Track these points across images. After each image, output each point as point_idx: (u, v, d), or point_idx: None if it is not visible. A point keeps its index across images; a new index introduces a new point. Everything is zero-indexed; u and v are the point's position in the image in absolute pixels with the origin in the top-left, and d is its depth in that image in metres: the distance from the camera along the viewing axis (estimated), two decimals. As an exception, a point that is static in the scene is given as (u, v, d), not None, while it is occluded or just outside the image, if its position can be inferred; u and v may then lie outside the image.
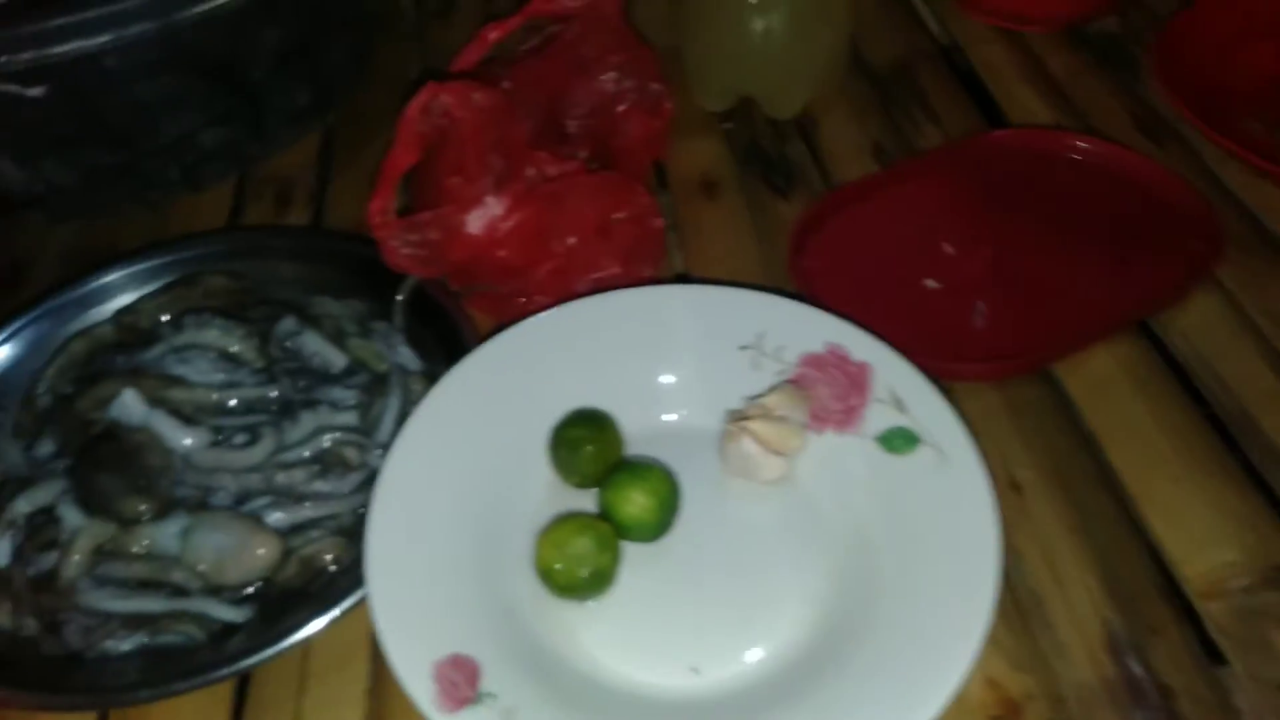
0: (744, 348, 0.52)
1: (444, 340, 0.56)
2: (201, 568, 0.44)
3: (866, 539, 0.46)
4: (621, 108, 0.67)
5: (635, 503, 0.45)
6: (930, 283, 0.59)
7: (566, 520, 0.45)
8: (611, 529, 0.45)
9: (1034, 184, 0.64)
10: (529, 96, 0.65)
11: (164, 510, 0.46)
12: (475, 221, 0.55)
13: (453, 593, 0.43)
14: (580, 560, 0.44)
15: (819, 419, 0.49)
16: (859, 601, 0.44)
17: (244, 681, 0.45)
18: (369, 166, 0.72)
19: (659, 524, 0.46)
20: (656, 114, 0.67)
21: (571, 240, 0.58)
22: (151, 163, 0.66)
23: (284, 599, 0.46)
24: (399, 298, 0.57)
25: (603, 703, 0.41)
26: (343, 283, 0.60)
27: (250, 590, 0.46)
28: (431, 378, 0.54)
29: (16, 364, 0.55)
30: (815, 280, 0.58)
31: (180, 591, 0.44)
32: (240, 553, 0.45)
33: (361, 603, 0.45)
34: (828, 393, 0.49)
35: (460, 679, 0.39)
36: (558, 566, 0.44)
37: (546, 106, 0.67)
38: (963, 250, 0.60)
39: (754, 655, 0.43)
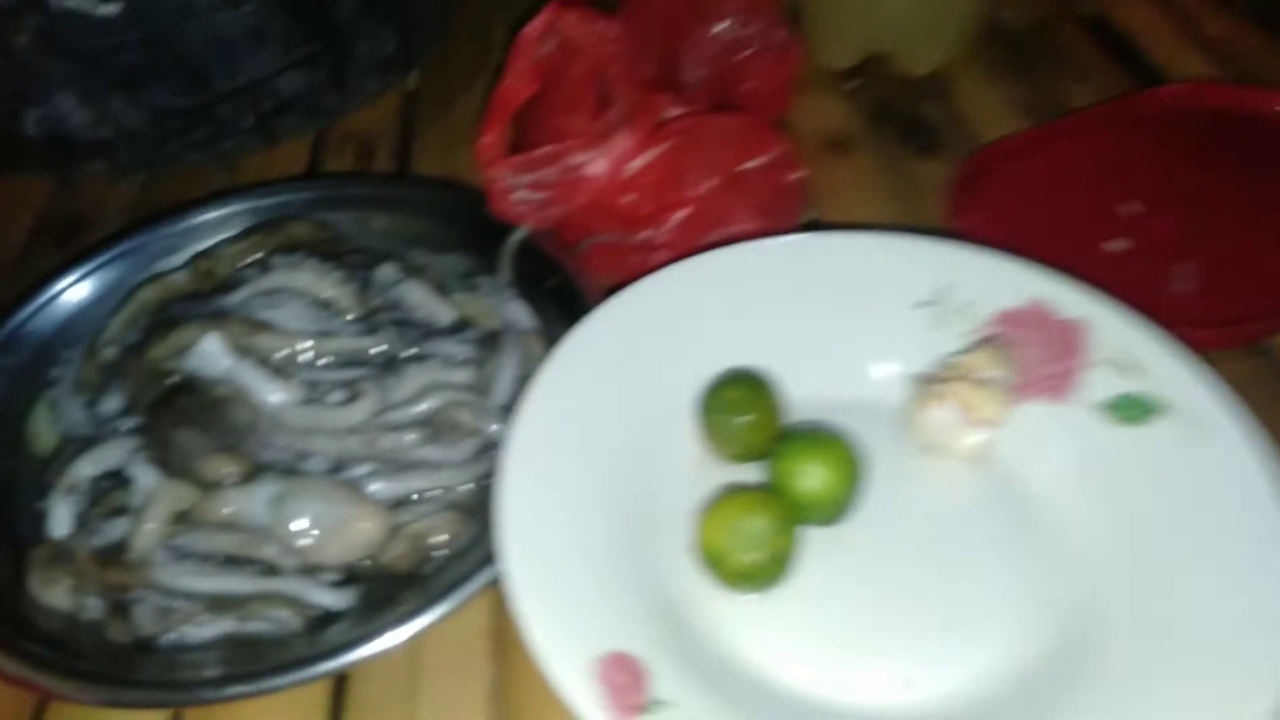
0: (922, 304, 0.44)
1: (558, 297, 0.49)
2: (297, 542, 0.37)
3: (1092, 524, 0.38)
4: (744, 55, 0.60)
5: (814, 476, 0.38)
6: (1114, 244, 0.52)
7: (735, 496, 0.37)
8: (788, 506, 0.37)
9: (1227, 141, 0.56)
10: (641, 42, 0.58)
11: (251, 474, 0.38)
12: (599, 161, 0.48)
13: (603, 580, 0.35)
14: (755, 543, 0.36)
15: (1023, 386, 0.41)
16: (1100, 601, 0.36)
17: (341, 680, 0.37)
18: (455, 124, 0.66)
19: (841, 503, 0.38)
20: (783, 61, 0.60)
21: (704, 188, 0.50)
22: (225, 108, 0.59)
23: (390, 583, 0.38)
24: (507, 247, 0.49)
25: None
26: (439, 236, 0.53)
27: (351, 572, 0.38)
28: (548, 337, 0.47)
29: (79, 315, 0.48)
30: (978, 241, 0.51)
31: (271, 570, 0.37)
32: (341, 526, 0.37)
33: (482, 591, 0.37)
34: (1033, 355, 0.42)
35: (626, 681, 0.31)
36: (728, 550, 0.36)
37: (660, 54, 0.60)
38: (1151, 210, 0.53)
39: (977, 666, 0.35)
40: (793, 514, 0.37)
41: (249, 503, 0.37)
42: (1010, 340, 0.42)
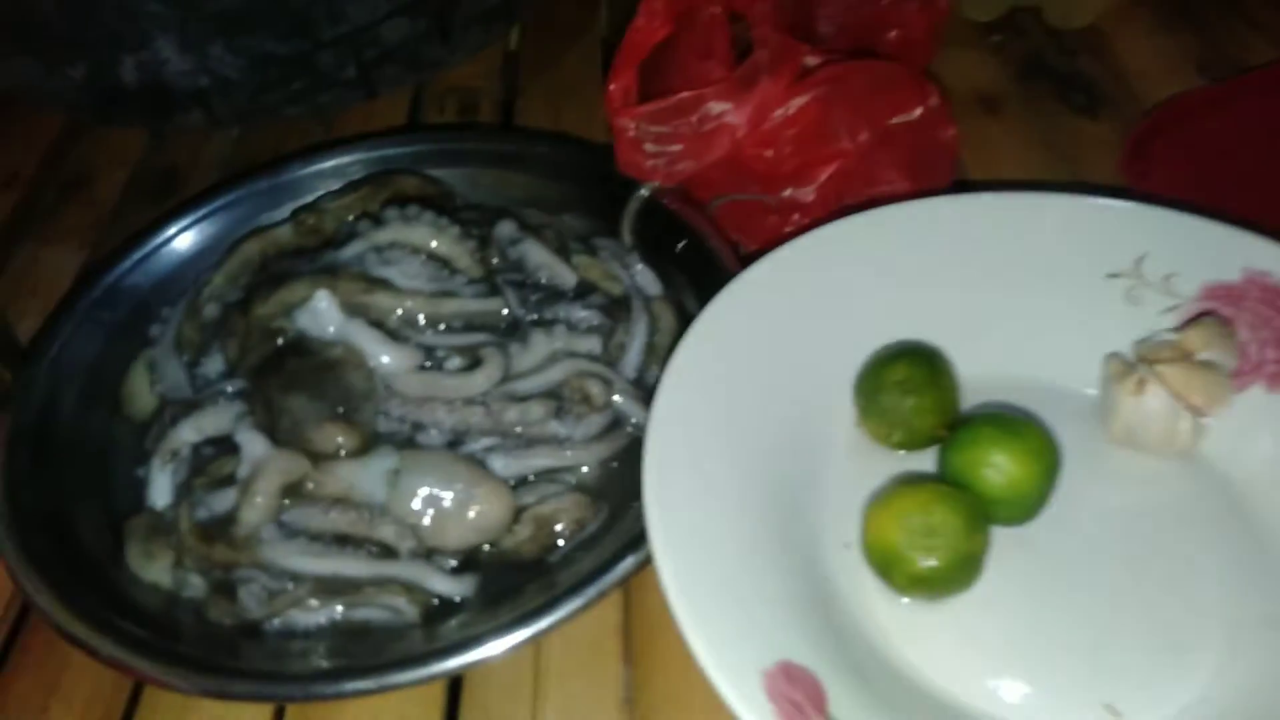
0: (1115, 275, 0.38)
1: (687, 261, 0.44)
2: (421, 522, 0.33)
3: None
4: (886, 1, 0.54)
5: (1003, 470, 0.32)
6: (1321, 214, 0.45)
7: (913, 488, 0.32)
8: (978, 502, 0.32)
9: None
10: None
11: (366, 445, 0.35)
12: (739, 110, 0.44)
13: (762, 579, 0.31)
14: (938, 545, 0.31)
15: (1240, 371, 0.35)
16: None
17: (456, 679, 0.34)
18: (558, 83, 0.62)
19: (1033, 501, 0.33)
20: (929, 7, 0.54)
21: (852, 142, 0.45)
22: (326, 57, 0.56)
23: (512, 572, 0.34)
24: (630, 206, 0.45)
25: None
26: (555, 194, 0.48)
27: (471, 557, 0.35)
28: (677, 305, 0.43)
29: (178, 270, 0.45)
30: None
31: (386, 552, 0.33)
32: (463, 507, 0.34)
33: (615, 586, 0.33)
34: (1252, 336, 0.36)
35: (801, 699, 0.27)
36: (904, 551, 0.31)
37: (792, 15, 0.55)
38: (1363, 175, 0.46)
39: (1194, 693, 0.30)
40: (983, 511, 0.32)
41: (364, 477, 0.34)
42: (1226, 318, 0.36)
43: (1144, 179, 0.47)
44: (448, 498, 0.33)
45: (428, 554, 0.34)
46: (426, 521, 0.33)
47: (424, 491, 0.33)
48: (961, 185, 0.48)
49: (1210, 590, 0.33)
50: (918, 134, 0.47)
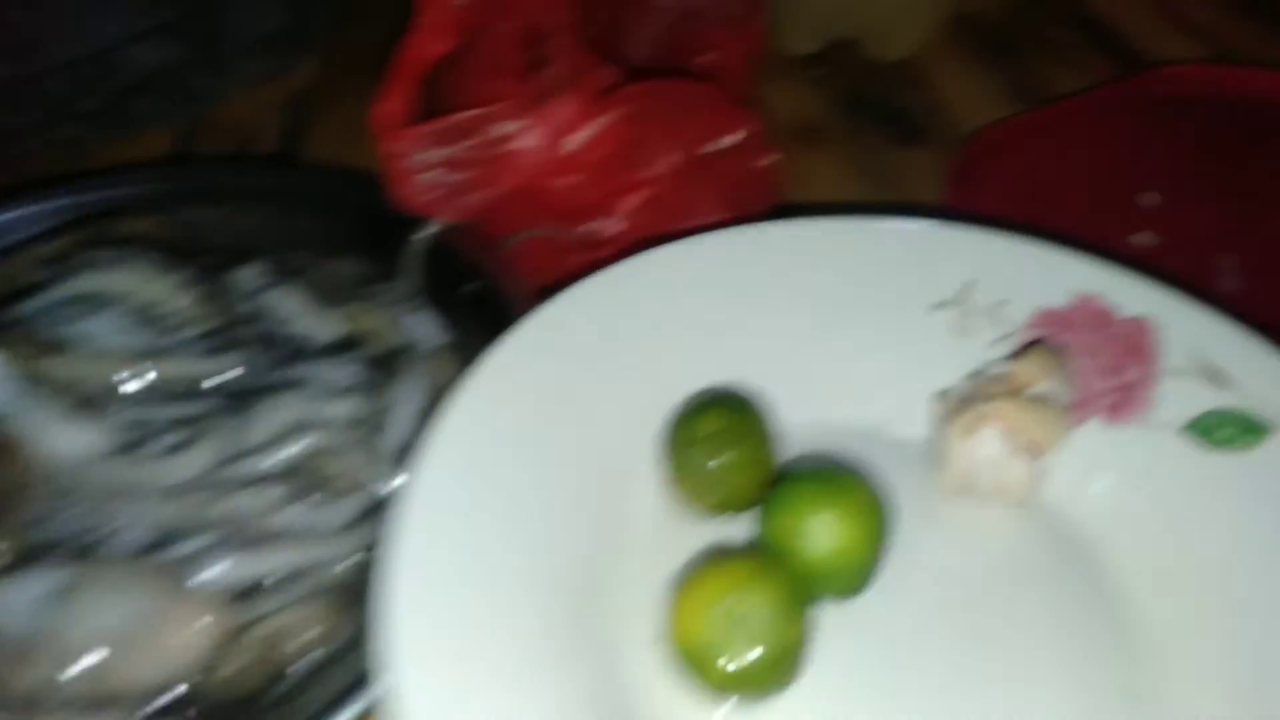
0: (941, 305, 0.35)
1: (478, 307, 0.38)
2: (93, 659, 0.25)
3: (1182, 582, 0.29)
4: (697, 28, 0.51)
5: (826, 533, 0.28)
6: (1142, 238, 0.44)
7: (719, 567, 0.27)
8: (794, 577, 0.27)
9: (1247, 126, 0.49)
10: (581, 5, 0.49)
11: (22, 559, 0.26)
12: (532, 132, 0.38)
13: (545, 702, 0.24)
14: (751, 635, 0.25)
15: (1076, 403, 0.32)
16: (1193, 691, 0.26)
17: None
18: (353, 120, 0.55)
19: (862, 569, 0.28)
20: (744, 33, 0.51)
21: (661, 169, 0.41)
22: (61, 83, 0.48)
23: (229, 712, 0.27)
24: (412, 245, 0.39)
25: None
26: (329, 234, 0.42)
27: (170, 699, 0.27)
28: (464, 358, 0.37)
29: None
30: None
31: (39, 703, 0.25)
32: (154, 633, 0.26)
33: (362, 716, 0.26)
34: (1087, 364, 0.33)
35: None
36: (714, 646, 0.25)
37: (599, 30, 0.51)
38: (1177, 201, 0.45)
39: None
40: (800, 588, 0.27)
41: (14, 602, 0.25)
42: (1059, 346, 0.33)
43: (968, 204, 0.45)
44: (134, 623, 0.25)
45: (100, 703, 0.25)
46: (101, 657, 0.25)
47: (99, 617, 0.25)
48: (778, 212, 0.45)
49: (1062, 661, 0.29)
50: (734, 161, 0.43)
